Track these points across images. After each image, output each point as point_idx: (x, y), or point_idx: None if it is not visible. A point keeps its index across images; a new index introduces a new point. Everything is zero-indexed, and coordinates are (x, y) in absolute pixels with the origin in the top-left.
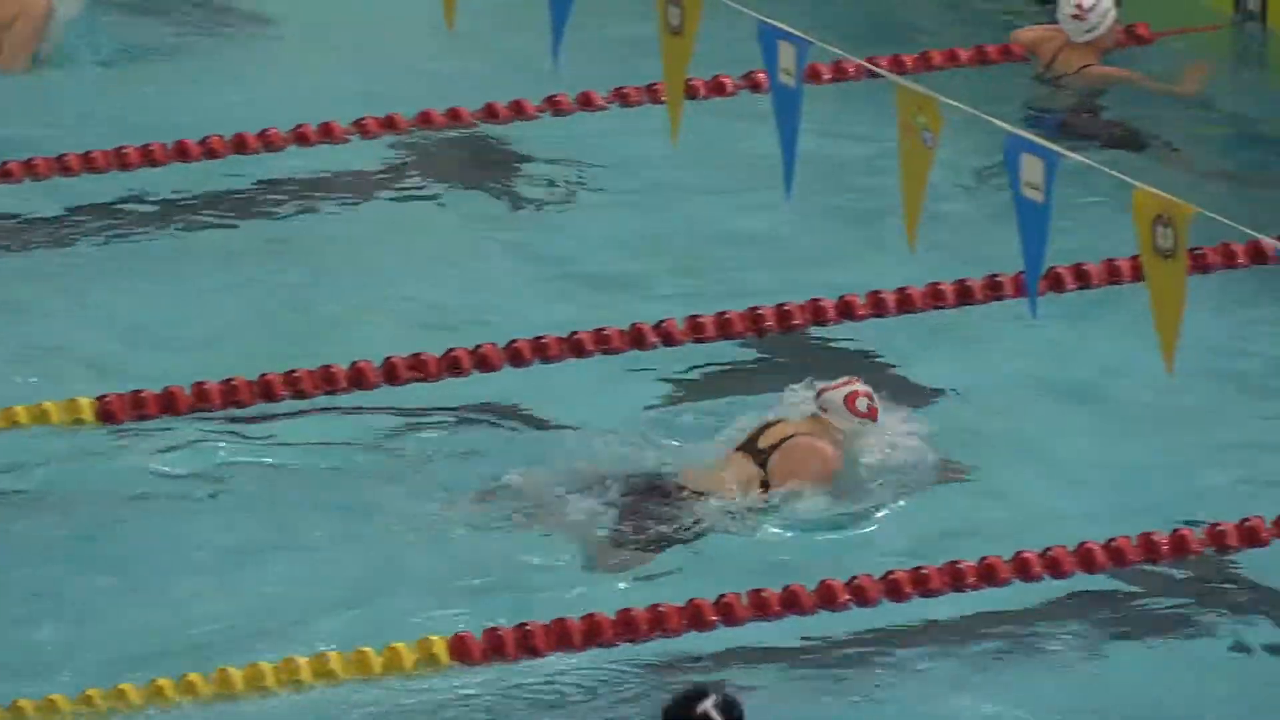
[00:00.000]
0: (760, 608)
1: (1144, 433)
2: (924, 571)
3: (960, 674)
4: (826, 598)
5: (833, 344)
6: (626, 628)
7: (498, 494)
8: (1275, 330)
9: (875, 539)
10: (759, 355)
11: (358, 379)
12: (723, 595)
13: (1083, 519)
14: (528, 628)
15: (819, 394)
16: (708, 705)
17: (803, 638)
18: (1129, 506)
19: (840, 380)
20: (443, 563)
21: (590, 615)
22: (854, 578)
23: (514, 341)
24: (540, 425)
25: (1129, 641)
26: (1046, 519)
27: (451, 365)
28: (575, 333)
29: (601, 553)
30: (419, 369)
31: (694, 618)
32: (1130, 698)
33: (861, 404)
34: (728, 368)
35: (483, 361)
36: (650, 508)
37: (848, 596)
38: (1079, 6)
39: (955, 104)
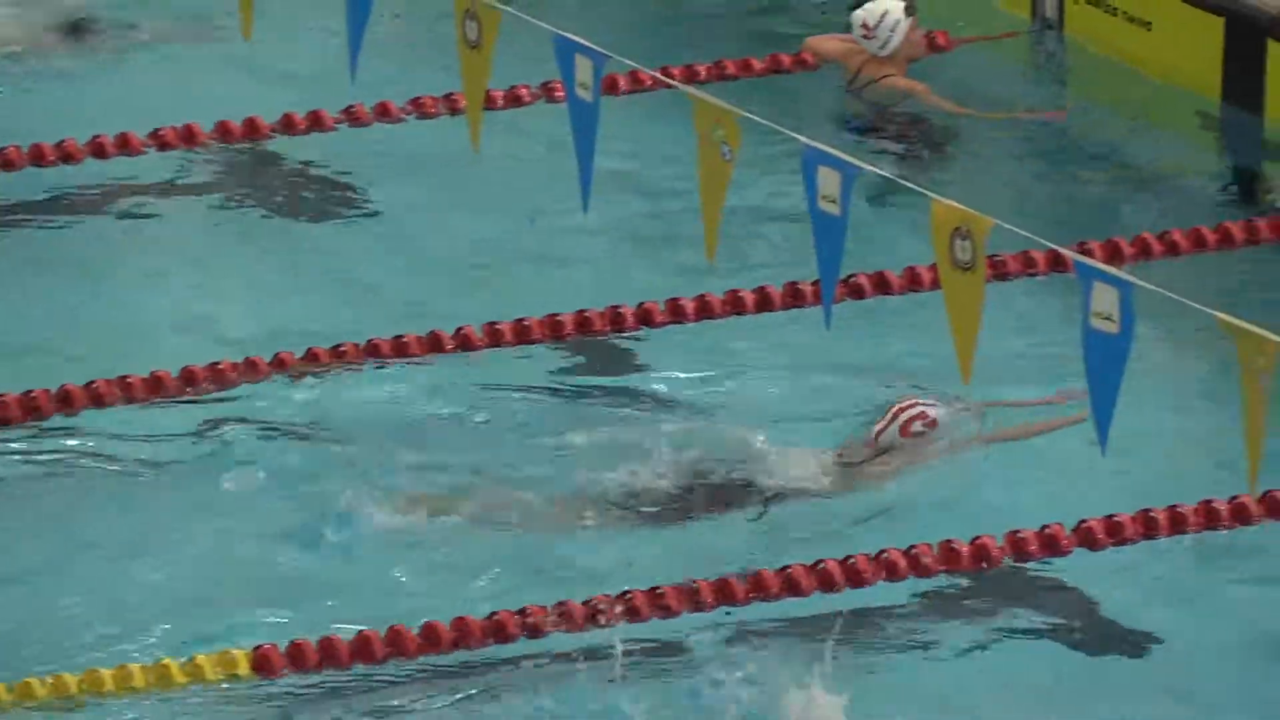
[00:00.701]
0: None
1: None
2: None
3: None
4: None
5: (630, 348)
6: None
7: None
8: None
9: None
10: (567, 360)
11: (157, 387)
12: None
13: None
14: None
15: (877, 436)
16: None
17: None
18: None
19: (887, 415)
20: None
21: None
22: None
23: (311, 349)
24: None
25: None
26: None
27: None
28: (373, 340)
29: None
30: (217, 379)
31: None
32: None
33: (917, 426)
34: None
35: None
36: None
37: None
38: (865, 25)
39: (753, 116)
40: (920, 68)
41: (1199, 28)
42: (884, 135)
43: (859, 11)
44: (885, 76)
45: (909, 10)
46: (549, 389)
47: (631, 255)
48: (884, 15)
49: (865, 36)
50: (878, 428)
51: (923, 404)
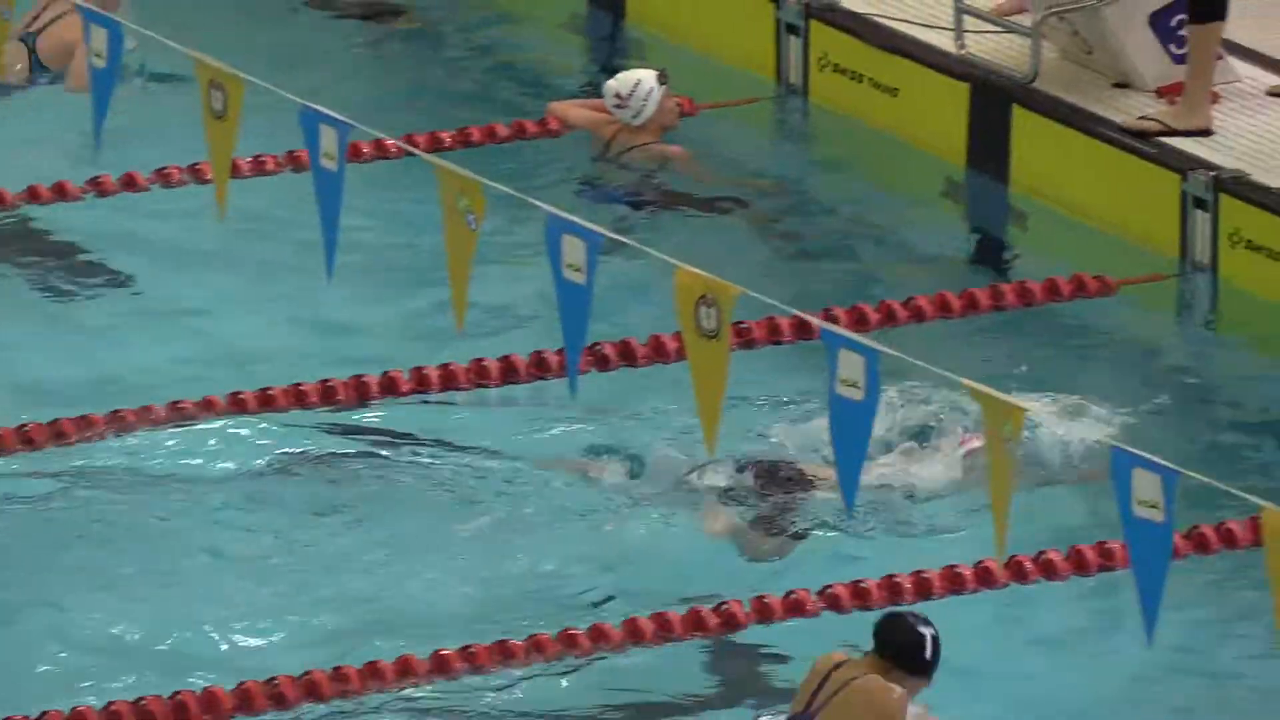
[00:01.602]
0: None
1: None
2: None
3: None
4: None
5: (369, 419)
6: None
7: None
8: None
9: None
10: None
11: None
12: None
13: None
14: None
15: (969, 456)
16: (931, 631)
17: None
18: None
19: (959, 442)
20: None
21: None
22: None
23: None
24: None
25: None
26: None
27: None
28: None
29: (751, 542)
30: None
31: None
32: None
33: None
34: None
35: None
36: (781, 497)
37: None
38: (618, 95)
39: (497, 185)
40: (672, 135)
41: (945, 93)
42: (643, 201)
43: (611, 81)
44: (644, 144)
45: (661, 79)
46: (290, 454)
47: (378, 323)
48: (637, 84)
49: (618, 106)
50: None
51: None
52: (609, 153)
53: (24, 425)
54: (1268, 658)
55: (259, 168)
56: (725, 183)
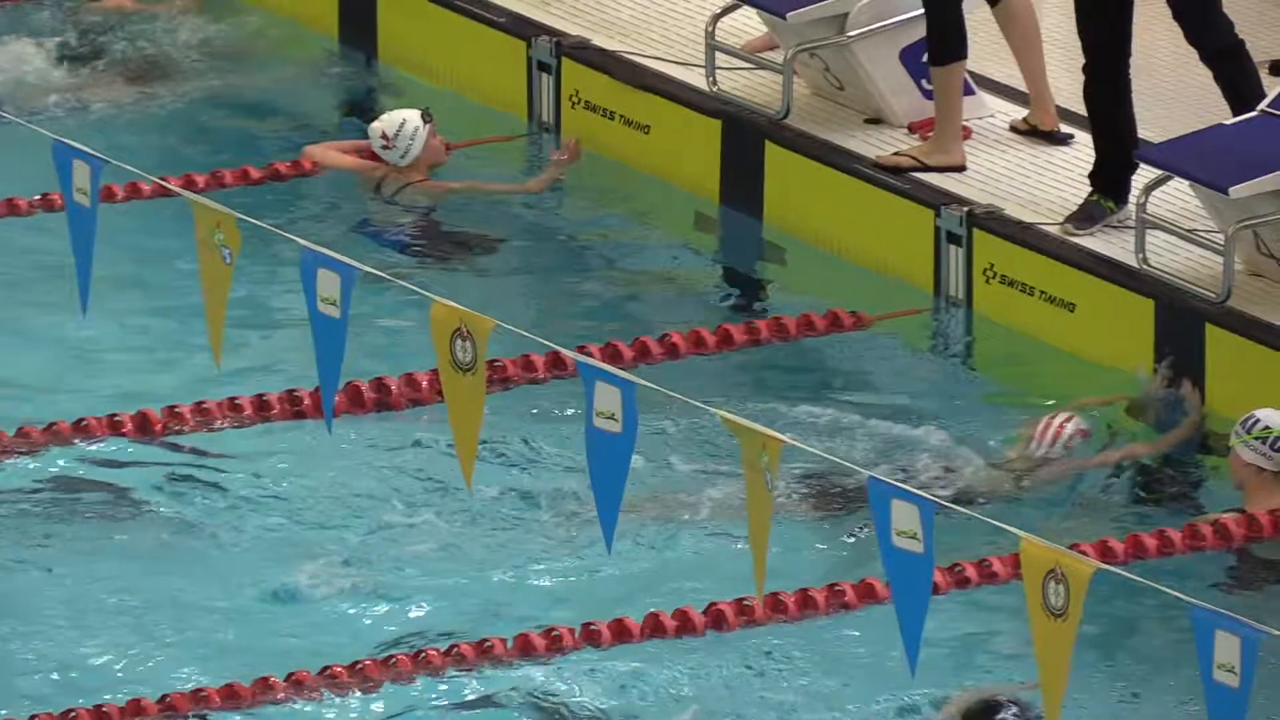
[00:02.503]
0: None
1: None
2: None
3: None
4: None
5: (129, 461)
6: None
7: None
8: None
9: None
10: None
11: None
12: None
13: None
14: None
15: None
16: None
17: None
18: None
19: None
20: None
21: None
22: None
23: None
24: None
25: None
26: None
27: None
28: None
29: None
30: None
31: None
32: None
33: (1076, 440)
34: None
35: None
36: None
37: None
38: (384, 136)
39: (253, 220)
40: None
41: (698, 130)
42: (415, 242)
43: (376, 124)
44: (416, 183)
45: (426, 117)
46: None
47: (139, 360)
48: (402, 124)
49: (385, 148)
50: (1037, 441)
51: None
52: (382, 194)
53: None
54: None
55: (11, 209)
56: (516, 191)
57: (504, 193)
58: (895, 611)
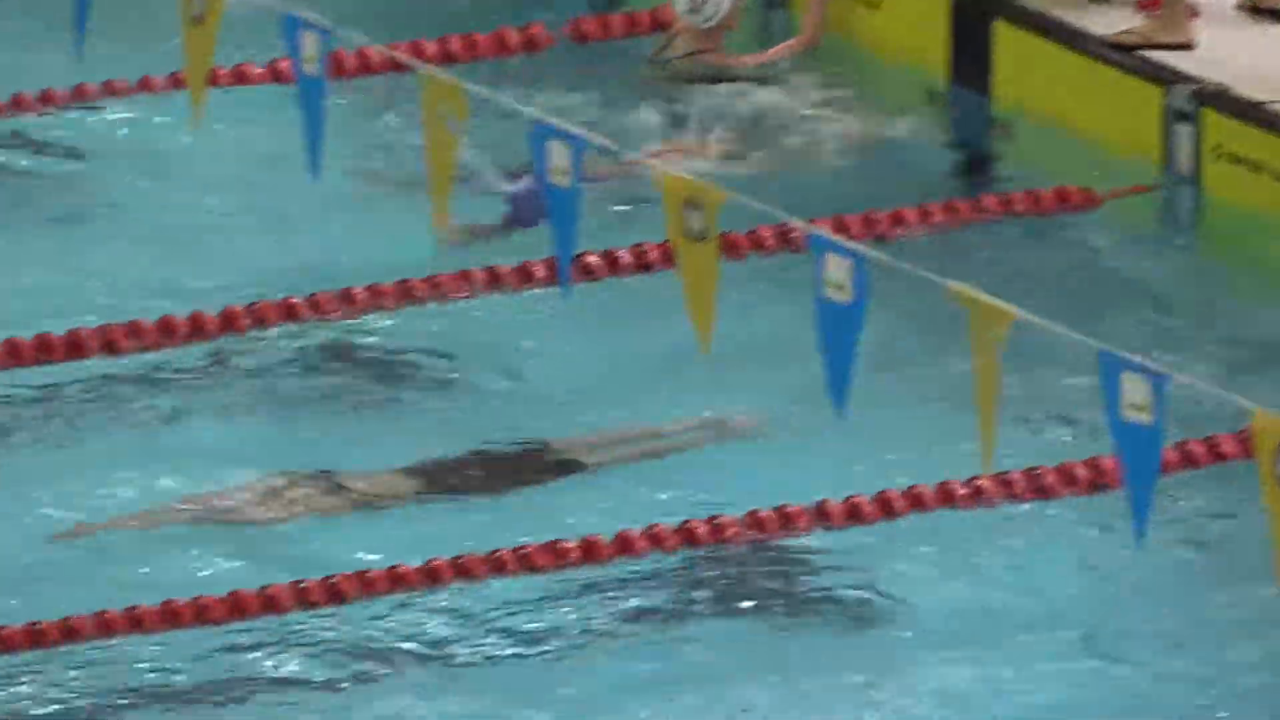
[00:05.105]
0: None
1: None
2: None
3: None
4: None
5: (360, 335)
6: None
7: None
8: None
9: None
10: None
11: None
12: None
13: None
14: None
15: None
16: None
17: None
18: None
19: None
20: None
21: None
22: None
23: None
24: None
25: None
26: None
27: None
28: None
29: None
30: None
31: None
32: None
33: None
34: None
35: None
36: None
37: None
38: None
39: (481, 90)
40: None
41: (925, 6)
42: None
43: None
44: (703, 51)
45: None
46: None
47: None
48: None
49: (692, 10)
50: None
51: None
52: (662, 54)
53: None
54: (1251, 580)
55: (239, 77)
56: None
57: (768, 60)
58: (1126, 486)
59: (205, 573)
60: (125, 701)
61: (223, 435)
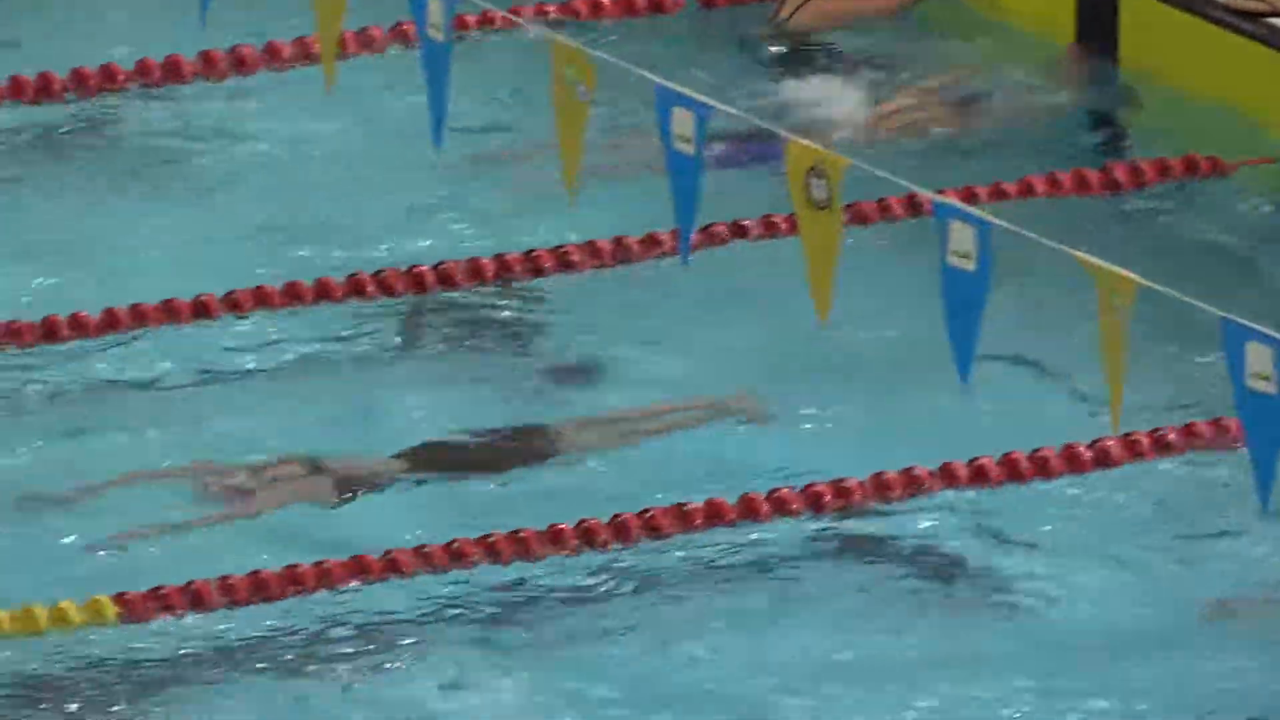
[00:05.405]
0: None
1: None
2: None
3: None
4: None
5: (497, 306)
6: None
7: None
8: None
9: None
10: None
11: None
12: None
13: None
14: None
15: None
16: None
17: None
18: None
19: None
20: None
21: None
22: None
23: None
24: None
25: None
26: None
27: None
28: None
29: None
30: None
31: None
32: None
33: None
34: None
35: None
36: None
37: None
38: None
39: (607, 56)
40: None
41: None
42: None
43: None
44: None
45: None
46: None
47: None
48: None
49: None
50: None
51: None
52: (779, 18)
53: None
54: None
55: (366, 44)
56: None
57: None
58: (1250, 452)
59: (206, 558)
60: (121, 685)
61: (248, 417)
